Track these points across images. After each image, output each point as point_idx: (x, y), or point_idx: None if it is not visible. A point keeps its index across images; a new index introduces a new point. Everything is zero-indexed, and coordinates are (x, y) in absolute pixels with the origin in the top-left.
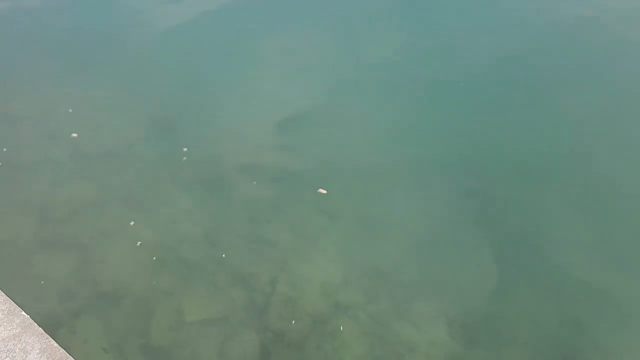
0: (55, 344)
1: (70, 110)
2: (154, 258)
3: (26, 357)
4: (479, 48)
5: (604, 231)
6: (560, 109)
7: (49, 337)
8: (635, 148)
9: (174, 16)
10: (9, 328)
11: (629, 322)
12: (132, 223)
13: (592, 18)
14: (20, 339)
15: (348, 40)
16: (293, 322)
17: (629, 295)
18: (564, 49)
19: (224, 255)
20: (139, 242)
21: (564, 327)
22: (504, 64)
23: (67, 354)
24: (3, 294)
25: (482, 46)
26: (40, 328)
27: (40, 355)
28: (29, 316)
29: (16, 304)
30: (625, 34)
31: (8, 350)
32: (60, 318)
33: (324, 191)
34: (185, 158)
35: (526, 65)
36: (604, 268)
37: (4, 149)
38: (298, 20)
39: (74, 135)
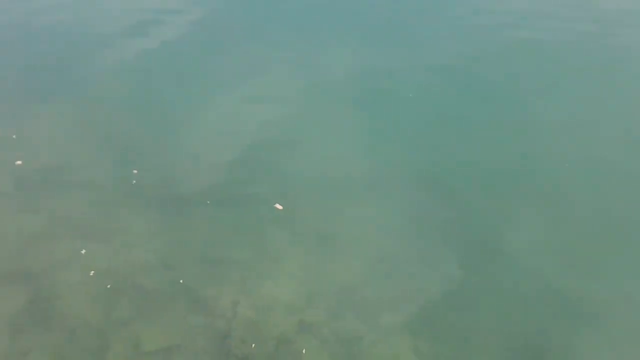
0: None
1: (14, 136)
2: (108, 286)
3: None
4: (434, 62)
5: (562, 235)
6: (516, 119)
7: None
8: (585, 155)
9: (127, 45)
10: None
11: (591, 323)
12: (83, 252)
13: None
14: None
15: (304, 60)
16: (256, 345)
17: (590, 296)
18: (517, 64)
19: (181, 281)
20: (92, 272)
21: (529, 333)
22: (459, 78)
23: None
24: None
25: (437, 60)
26: None
27: None
28: None
29: None
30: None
31: None
32: (9, 358)
33: (280, 207)
34: (134, 181)
35: (482, 78)
36: (565, 272)
37: None
38: (251, 42)
39: (19, 162)
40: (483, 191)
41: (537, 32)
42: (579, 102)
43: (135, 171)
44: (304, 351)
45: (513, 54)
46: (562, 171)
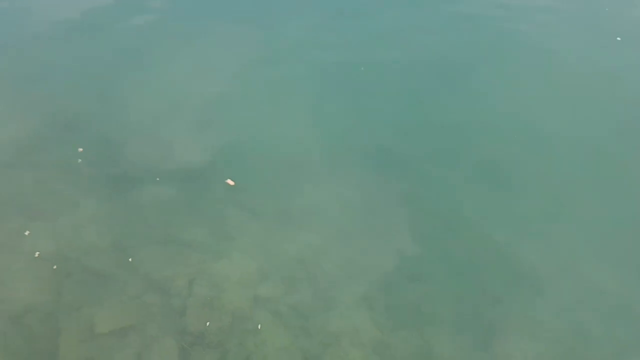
0: None
1: None
2: (54, 267)
3: None
4: (385, 35)
5: (514, 206)
6: (465, 92)
7: None
8: (531, 126)
9: (70, 19)
10: None
11: (538, 291)
12: (27, 233)
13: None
14: None
15: (260, 34)
16: (212, 322)
17: (539, 264)
18: (464, 41)
19: (130, 260)
20: (37, 253)
21: (483, 301)
22: (413, 54)
23: None
24: None
25: (395, 37)
26: None
27: None
28: None
29: None
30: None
31: None
32: None
33: (232, 182)
34: (80, 160)
35: (432, 53)
36: (517, 240)
37: None
38: (202, 18)
39: None
40: (438, 163)
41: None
42: (523, 73)
43: (80, 149)
44: (259, 326)
45: (460, 25)
46: (511, 142)
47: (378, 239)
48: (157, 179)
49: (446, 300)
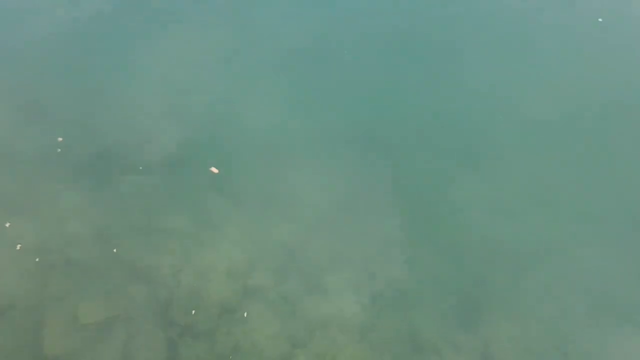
0: None
1: None
2: (37, 260)
3: None
4: (372, 22)
5: (496, 190)
6: (449, 76)
7: None
8: (515, 109)
9: (47, 9)
10: None
11: (522, 273)
12: (7, 225)
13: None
14: None
15: (234, 21)
16: (200, 312)
17: (522, 246)
18: (446, 22)
19: (115, 250)
20: (19, 246)
21: (467, 283)
22: (398, 38)
23: None
24: None
25: (376, 20)
26: None
27: None
28: None
29: None
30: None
31: None
32: None
33: (216, 170)
34: (59, 150)
35: (418, 37)
36: (500, 223)
37: None
38: (190, 12)
39: None
40: (420, 148)
41: None
42: (509, 56)
43: (60, 139)
44: (245, 314)
45: (447, 13)
46: (496, 128)
47: (363, 224)
48: (140, 167)
49: (431, 283)
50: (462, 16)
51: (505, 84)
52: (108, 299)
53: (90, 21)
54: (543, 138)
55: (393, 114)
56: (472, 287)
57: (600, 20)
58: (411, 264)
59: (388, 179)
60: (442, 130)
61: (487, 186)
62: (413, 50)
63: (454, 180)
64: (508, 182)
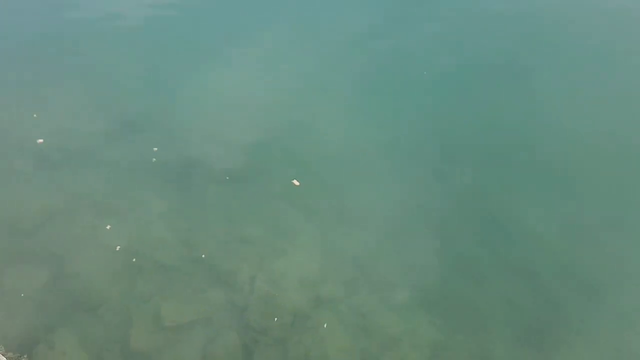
0: None
1: (35, 116)
2: (134, 260)
3: None
4: (442, 37)
5: (571, 210)
6: (523, 93)
7: None
8: (593, 129)
9: (139, 19)
10: None
11: (598, 298)
12: (108, 227)
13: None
14: None
15: (314, 37)
16: (275, 319)
17: (597, 271)
18: (520, 41)
19: (203, 256)
20: (118, 247)
21: (540, 307)
22: (469, 55)
23: None
24: None
25: (449, 41)
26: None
27: None
28: None
29: None
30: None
31: None
32: (36, 334)
33: (297, 183)
34: (154, 159)
35: (488, 54)
36: (575, 246)
37: None
38: (263, 21)
39: (40, 141)
40: (495, 165)
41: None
42: (584, 75)
43: (155, 149)
44: (325, 325)
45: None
46: (572, 144)
47: (434, 240)
48: (227, 177)
49: (504, 304)
50: (537, 34)
51: (584, 101)
52: (190, 302)
53: (177, 41)
54: (625, 160)
55: (467, 130)
56: (546, 311)
57: None
58: (483, 284)
59: (460, 195)
60: (517, 148)
61: (562, 207)
62: (487, 68)
63: (528, 200)
64: (585, 203)
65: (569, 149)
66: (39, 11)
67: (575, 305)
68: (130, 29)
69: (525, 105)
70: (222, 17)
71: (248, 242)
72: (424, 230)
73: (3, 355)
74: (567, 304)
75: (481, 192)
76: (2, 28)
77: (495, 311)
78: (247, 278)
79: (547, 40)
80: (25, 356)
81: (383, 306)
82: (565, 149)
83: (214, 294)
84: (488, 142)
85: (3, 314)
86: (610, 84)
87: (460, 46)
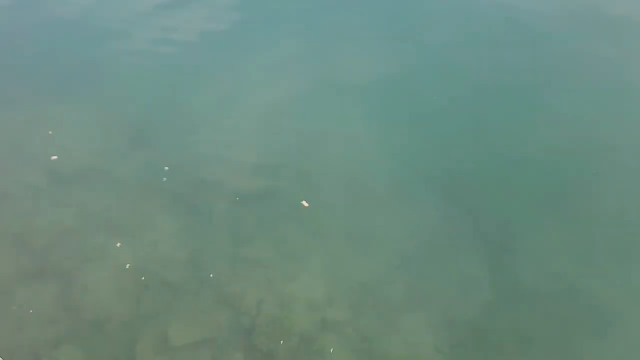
0: None
1: (50, 132)
2: (143, 278)
3: None
4: (451, 62)
5: (581, 237)
6: (531, 118)
7: None
8: (604, 154)
9: (153, 41)
10: None
11: (613, 327)
12: (118, 245)
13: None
14: None
15: (326, 59)
16: (281, 341)
17: (613, 299)
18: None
19: (211, 275)
20: (128, 265)
21: (550, 335)
22: (486, 80)
23: None
24: None
25: (461, 67)
26: None
27: None
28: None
29: None
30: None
31: None
32: (40, 349)
33: (307, 204)
34: (165, 179)
35: (500, 80)
36: (584, 273)
37: None
38: (275, 46)
39: (54, 157)
40: (504, 191)
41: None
42: (595, 96)
43: (166, 168)
44: (331, 350)
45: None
46: (582, 170)
47: (443, 267)
48: (237, 198)
49: (513, 332)
50: (550, 57)
51: (594, 124)
52: (196, 322)
53: (189, 58)
54: (635, 188)
55: (477, 156)
56: (556, 340)
57: None
58: (491, 310)
59: (469, 222)
60: (527, 174)
61: (573, 233)
62: (499, 94)
63: (538, 226)
64: (596, 230)
65: (578, 174)
66: (53, 30)
67: (586, 333)
68: (144, 49)
69: (535, 127)
70: (235, 40)
71: (256, 263)
72: (433, 257)
73: None
74: (578, 332)
75: (491, 218)
76: (17, 43)
77: (503, 338)
78: (254, 299)
79: (562, 62)
80: None
81: (389, 331)
82: (574, 174)
83: (221, 314)
84: (498, 167)
85: (11, 329)
86: (632, 107)
87: (468, 70)
